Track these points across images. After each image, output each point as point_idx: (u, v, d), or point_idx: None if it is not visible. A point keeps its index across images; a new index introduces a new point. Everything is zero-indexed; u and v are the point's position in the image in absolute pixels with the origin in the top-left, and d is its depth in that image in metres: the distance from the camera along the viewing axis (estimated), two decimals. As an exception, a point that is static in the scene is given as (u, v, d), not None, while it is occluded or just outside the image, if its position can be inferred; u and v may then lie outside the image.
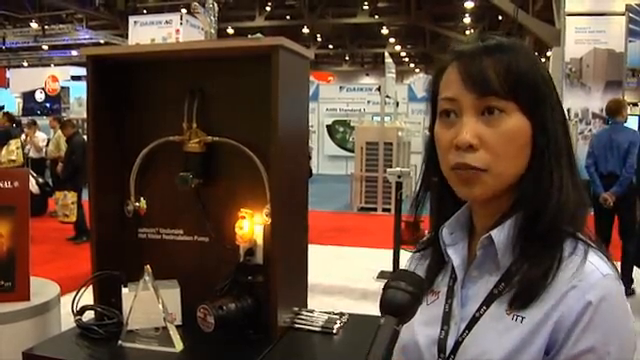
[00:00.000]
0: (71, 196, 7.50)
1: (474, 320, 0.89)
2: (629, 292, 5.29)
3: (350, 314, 2.29)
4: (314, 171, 13.34)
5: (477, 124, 0.87)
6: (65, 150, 8.20)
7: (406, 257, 1.17)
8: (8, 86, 20.10)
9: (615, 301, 0.83)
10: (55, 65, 23.41)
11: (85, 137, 8.36)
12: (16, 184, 2.30)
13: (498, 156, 0.86)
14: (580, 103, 11.76)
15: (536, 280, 0.84)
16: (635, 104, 19.44)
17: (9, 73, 20.24)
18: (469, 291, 0.93)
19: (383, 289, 0.83)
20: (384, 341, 0.77)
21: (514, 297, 0.86)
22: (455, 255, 0.96)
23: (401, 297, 0.80)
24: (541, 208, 0.87)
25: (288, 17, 23.89)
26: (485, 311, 0.89)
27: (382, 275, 6.04)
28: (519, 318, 0.85)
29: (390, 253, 5.83)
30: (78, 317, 2.13)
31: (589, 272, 0.84)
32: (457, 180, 0.90)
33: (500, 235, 0.89)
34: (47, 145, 10.61)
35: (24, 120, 14.06)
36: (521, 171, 0.89)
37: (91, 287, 2.20)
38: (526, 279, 0.85)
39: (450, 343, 0.91)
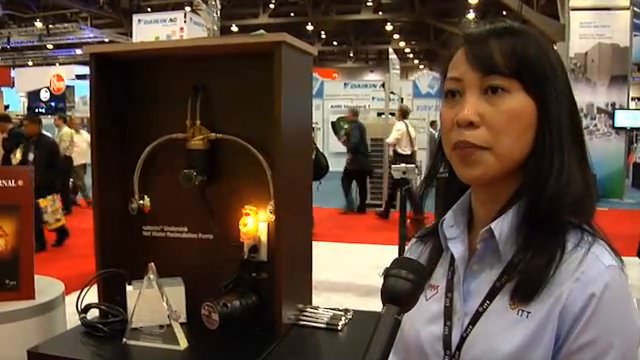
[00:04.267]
0: (58, 199, 7.30)
1: (478, 315, 0.88)
2: None
3: (355, 311, 2.28)
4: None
5: (479, 102, 0.85)
6: (32, 152, 7.07)
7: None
8: (13, 85, 20.14)
9: (618, 292, 0.82)
10: (60, 64, 23.47)
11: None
12: (20, 183, 2.30)
13: (499, 134, 0.85)
14: (585, 98, 11.73)
15: (539, 270, 0.83)
16: (640, 99, 19.36)
17: (14, 72, 20.25)
18: (471, 285, 0.91)
19: (384, 277, 0.82)
20: (385, 330, 0.76)
21: (516, 288, 0.85)
22: (456, 249, 0.94)
23: (402, 285, 0.79)
24: (540, 192, 0.85)
25: (292, 14, 23.92)
26: (489, 305, 0.87)
27: (387, 272, 6.02)
28: (524, 313, 0.83)
29: (395, 249, 5.81)
30: (83, 315, 2.14)
31: (592, 264, 0.82)
32: (458, 160, 0.88)
33: (501, 226, 0.87)
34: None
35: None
36: (524, 155, 0.87)
37: (95, 285, 2.20)
38: (529, 269, 0.84)
39: (455, 339, 0.89)
